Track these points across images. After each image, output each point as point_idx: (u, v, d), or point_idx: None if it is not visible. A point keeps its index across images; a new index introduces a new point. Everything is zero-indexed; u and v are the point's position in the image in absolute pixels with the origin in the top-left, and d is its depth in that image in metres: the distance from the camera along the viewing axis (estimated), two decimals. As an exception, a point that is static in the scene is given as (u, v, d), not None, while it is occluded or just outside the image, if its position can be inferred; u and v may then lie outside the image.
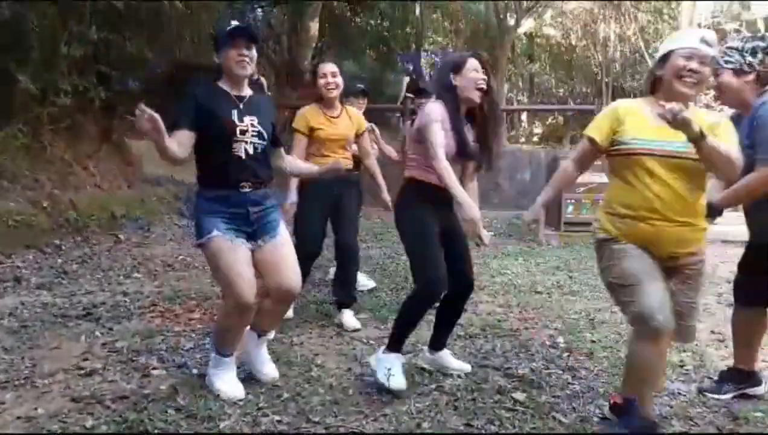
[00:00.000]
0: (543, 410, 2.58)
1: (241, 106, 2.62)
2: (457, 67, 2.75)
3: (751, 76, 2.63)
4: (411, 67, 15.93)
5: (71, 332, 3.47)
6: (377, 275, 5.14)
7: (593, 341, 3.53)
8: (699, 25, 16.74)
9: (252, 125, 2.60)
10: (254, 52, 2.62)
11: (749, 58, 2.62)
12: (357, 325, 3.71)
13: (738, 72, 2.64)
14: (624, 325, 3.89)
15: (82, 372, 2.87)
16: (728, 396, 2.76)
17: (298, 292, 2.77)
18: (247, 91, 2.70)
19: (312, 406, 2.56)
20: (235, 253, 2.54)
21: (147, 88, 7.88)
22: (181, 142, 2.49)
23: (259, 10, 13.97)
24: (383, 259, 5.98)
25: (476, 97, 2.74)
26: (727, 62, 2.66)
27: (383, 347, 2.82)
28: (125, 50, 7.33)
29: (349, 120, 3.88)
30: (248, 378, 2.83)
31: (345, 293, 3.85)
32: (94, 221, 6.38)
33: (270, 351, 3.18)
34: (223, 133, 2.56)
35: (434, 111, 2.69)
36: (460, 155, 2.75)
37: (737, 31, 18.61)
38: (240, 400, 2.58)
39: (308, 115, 3.77)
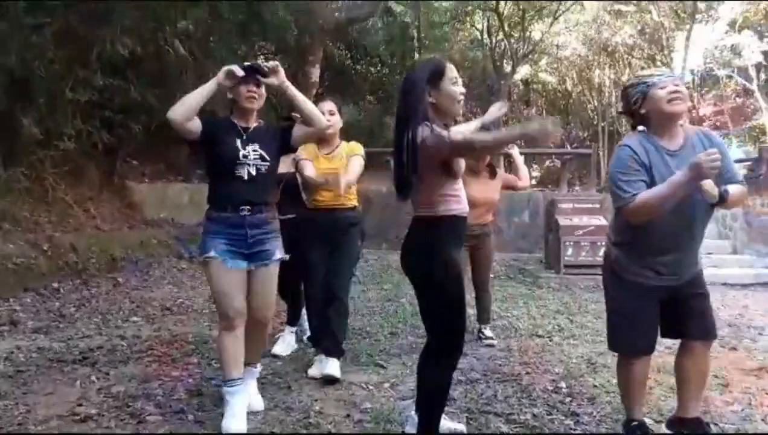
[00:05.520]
0: (546, 458, 2.53)
1: (245, 136, 2.84)
2: (434, 79, 2.36)
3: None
4: None
5: (67, 377, 3.43)
6: (376, 318, 5.10)
7: (595, 386, 3.48)
8: (692, 72, 17.11)
9: (254, 150, 2.82)
10: (263, 90, 2.88)
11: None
12: (338, 373, 3.43)
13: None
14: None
15: (77, 418, 2.82)
16: None
17: (266, 322, 2.98)
18: (254, 124, 2.92)
19: (310, 454, 2.51)
20: (228, 277, 2.75)
21: (150, 133, 7.97)
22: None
23: (261, 57, 14.29)
24: (382, 301, 5.93)
25: (459, 112, 2.44)
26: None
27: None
28: (129, 95, 7.46)
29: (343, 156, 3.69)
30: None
31: (331, 342, 3.53)
32: (94, 264, 6.38)
33: (268, 396, 3.15)
34: (227, 156, 2.77)
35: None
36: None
37: (729, 77, 19.04)
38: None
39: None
